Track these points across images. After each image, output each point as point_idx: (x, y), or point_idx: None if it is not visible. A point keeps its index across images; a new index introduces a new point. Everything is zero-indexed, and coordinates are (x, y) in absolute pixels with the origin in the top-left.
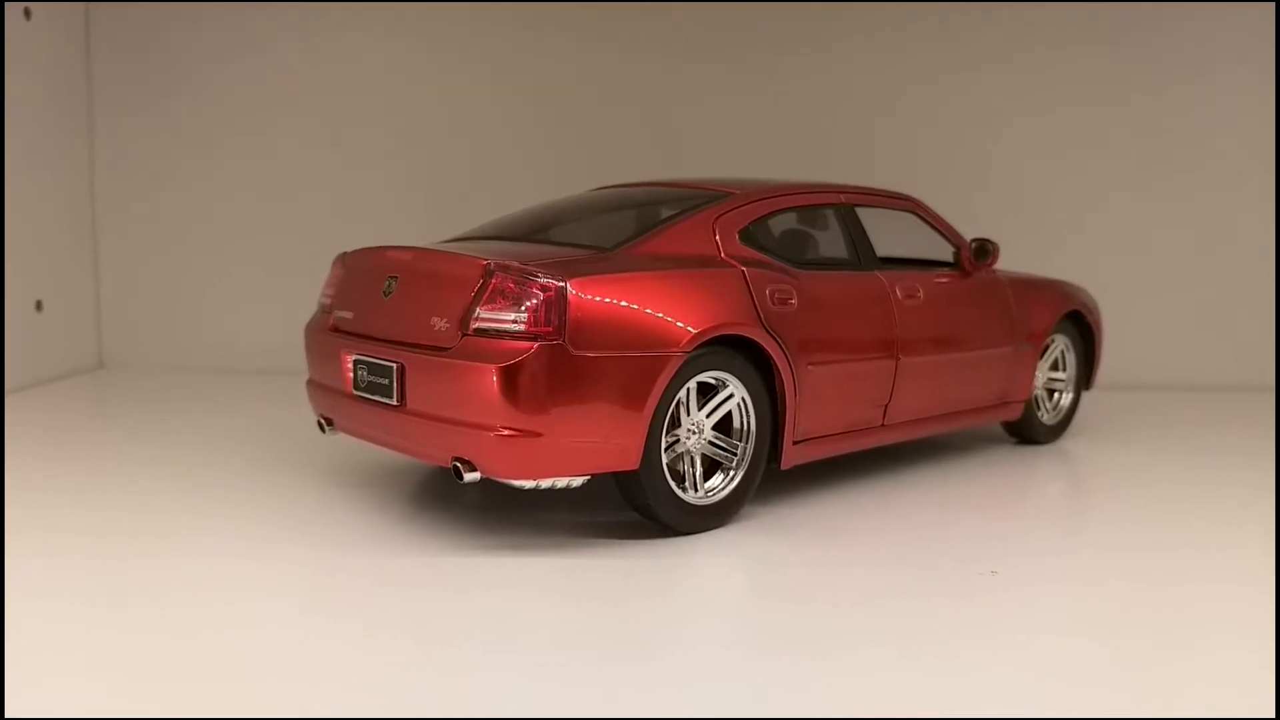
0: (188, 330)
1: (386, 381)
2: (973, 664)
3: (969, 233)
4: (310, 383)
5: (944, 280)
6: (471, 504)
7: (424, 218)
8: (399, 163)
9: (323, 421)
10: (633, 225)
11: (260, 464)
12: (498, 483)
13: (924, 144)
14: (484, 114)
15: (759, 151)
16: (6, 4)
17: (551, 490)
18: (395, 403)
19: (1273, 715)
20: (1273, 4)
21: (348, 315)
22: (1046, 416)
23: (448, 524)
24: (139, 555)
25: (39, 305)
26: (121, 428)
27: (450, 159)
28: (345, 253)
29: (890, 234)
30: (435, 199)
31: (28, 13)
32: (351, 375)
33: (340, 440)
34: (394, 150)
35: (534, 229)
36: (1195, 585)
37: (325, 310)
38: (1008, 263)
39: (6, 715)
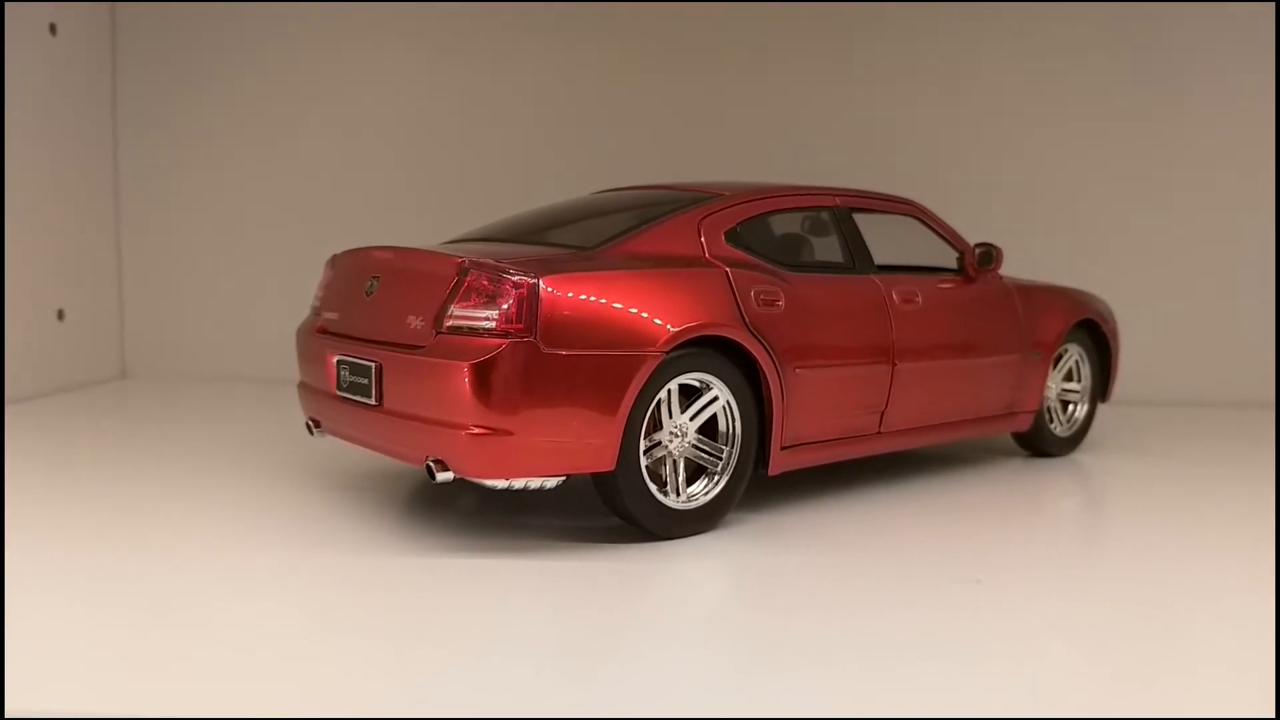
0: (212, 340)
1: (366, 381)
2: (955, 674)
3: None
4: (300, 385)
5: (946, 285)
6: (466, 509)
7: (446, 227)
8: (420, 173)
9: (311, 423)
10: (619, 226)
11: (268, 469)
12: (494, 488)
13: (933, 153)
14: (500, 124)
15: (768, 157)
16: (33, 20)
17: (539, 493)
18: (374, 403)
19: (1272, 715)
20: (1272, 4)
21: (334, 316)
22: (1060, 429)
23: (439, 527)
24: (139, 557)
25: (60, 314)
26: (135, 434)
27: (470, 168)
28: (335, 254)
29: (902, 241)
30: (456, 207)
31: (53, 28)
32: (335, 376)
33: (342, 444)
34: (415, 161)
35: (527, 231)
36: (1194, 597)
37: (316, 312)
38: (1016, 274)
39: (7, 715)
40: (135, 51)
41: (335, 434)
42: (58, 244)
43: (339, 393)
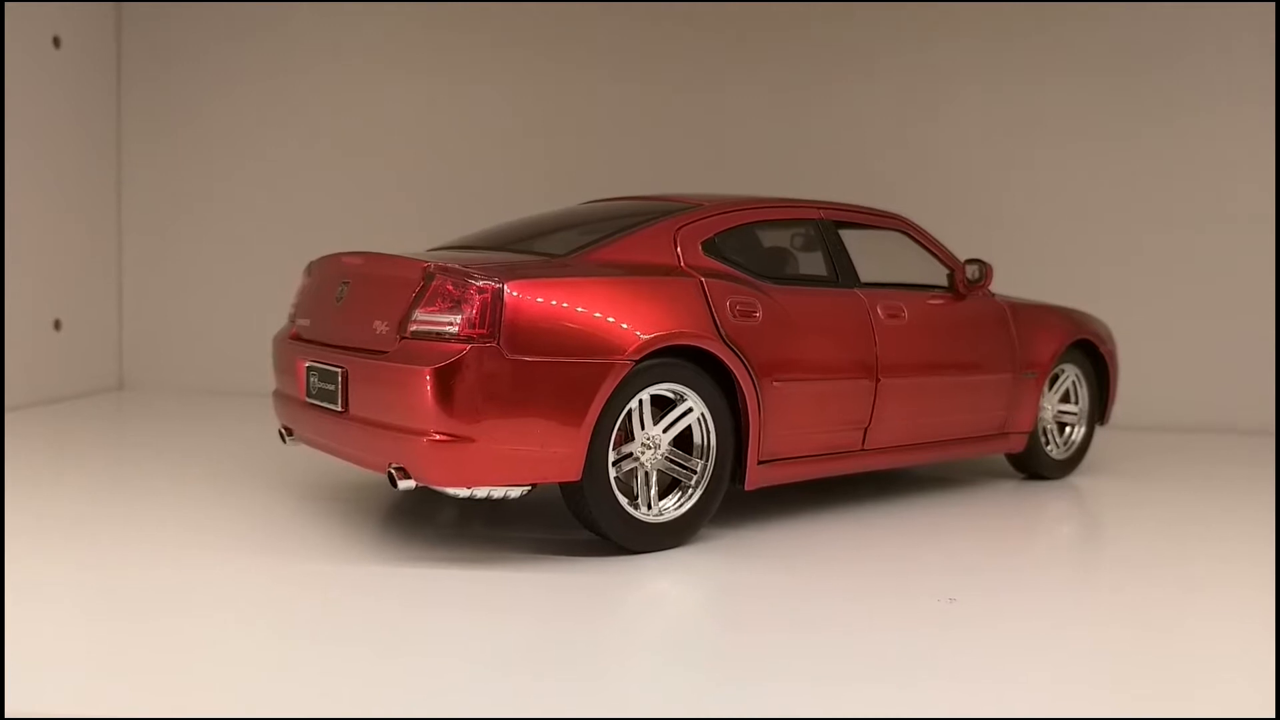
0: (210, 352)
1: (333, 387)
2: (929, 690)
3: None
4: (274, 393)
5: (934, 301)
6: (446, 520)
7: (449, 239)
8: (425, 186)
9: (283, 431)
10: (594, 234)
11: (259, 480)
12: (456, 496)
13: (930, 171)
14: (504, 137)
15: (765, 172)
16: (36, 32)
17: (522, 505)
18: (340, 409)
19: (1272, 715)
20: (1273, 4)
21: (307, 323)
22: (1056, 451)
23: (418, 538)
24: (133, 566)
25: (57, 324)
26: (130, 445)
27: (475, 181)
28: (311, 261)
29: (894, 258)
30: (461, 220)
31: (57, 40)
32: (305, 382)
33: (323, 454)
34: (418, 174)
35: (508, 240)
36: (1192, 620)
37: (291, 319)
38: (1013, 294)
39: (7, 715)
40: (139, 64)
41: (306, 441)
42: (58, 254)
43: (308, 399)
